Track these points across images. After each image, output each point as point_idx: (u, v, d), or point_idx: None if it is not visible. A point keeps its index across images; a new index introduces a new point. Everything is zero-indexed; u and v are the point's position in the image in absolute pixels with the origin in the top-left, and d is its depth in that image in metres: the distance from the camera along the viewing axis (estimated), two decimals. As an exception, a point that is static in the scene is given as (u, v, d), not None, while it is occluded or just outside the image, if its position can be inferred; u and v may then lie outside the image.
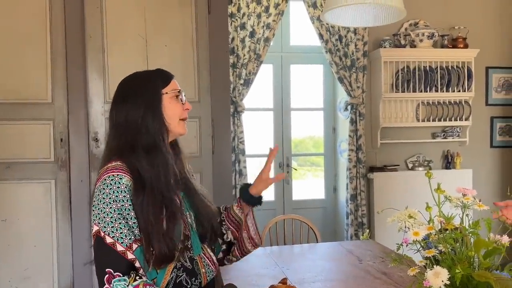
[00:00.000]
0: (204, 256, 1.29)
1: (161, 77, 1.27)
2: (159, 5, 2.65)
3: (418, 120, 3.77)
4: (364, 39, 3.65)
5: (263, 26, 3.48)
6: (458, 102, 3.78)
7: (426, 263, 0.88)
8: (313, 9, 3.59)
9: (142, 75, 1.30)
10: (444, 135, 3.87)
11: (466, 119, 3.80)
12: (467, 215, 0.94)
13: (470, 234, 0.86)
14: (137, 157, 1.16)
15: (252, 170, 3.74)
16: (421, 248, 0.91)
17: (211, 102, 2.92)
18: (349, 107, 3.67)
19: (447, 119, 3.77)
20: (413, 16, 3.76)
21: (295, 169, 4.00)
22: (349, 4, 1.47)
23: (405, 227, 0.89)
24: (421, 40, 3.67)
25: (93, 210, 1.12)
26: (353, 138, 3.66)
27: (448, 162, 3.90)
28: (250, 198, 1.43)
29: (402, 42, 3.73)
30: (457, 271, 0.78)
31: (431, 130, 3.90)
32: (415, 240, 0.86)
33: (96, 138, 2.54)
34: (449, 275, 0.82)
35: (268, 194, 3.99)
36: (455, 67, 3.74)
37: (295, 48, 3.97)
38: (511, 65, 4.07)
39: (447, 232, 0.88)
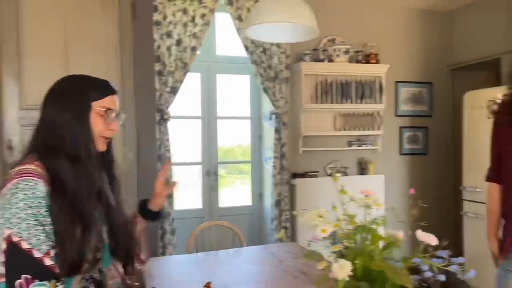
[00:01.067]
0: (113, 269, 1.30)
1: (98, 89, 1.23)
2: (80, 11, 2.59)
3: (335, 130, 4.03)
4: (287, 53, 3.84)
5: (190, 35, 3.52)
6: (371, 113, 4.11)
7: (334, 258, 0.99)
8: (239, 21, 3.70)
9: (80, 79, 1.25)
10: (358, 143, 4.17)
11: (378, 129, 4.13)
12: (369, 213, 1.07)
13: (370, 230, 0.98)
14: (60, 163, 1.13)
15: (179, 178, 3.74)
16: (329, 244, 1.01)
17: (136, 110, 2.90)
18: (273, 117, 3.82)
19: (361, 128, 4.08)
20: (331, 32, 4.03)
21: (222, 176, 4.06)
22: (264, 22, 1.57)
23: (315, 225, 0.99)
24: (338, 55, 3.94)
25: (3, 213, 1.07)
26: (277, 146, 3.81)
27: (363, 168, 4.21)
28: (149, 213, 1.44)
29: (321, 56, 3.97)
30: (356, 262, 0.89)
31: (347, 138, 4.18)
32: (323, 236, 0.96)
33: (10, 146, 2.40)
34: (353, 267, 0.93)
35: (196, 202, 4.00)
36: (368, 81, 4.06)
37: (221, 58, 4.05)
38: (417, 80, 4.52)
39: (351, 229, 0.99)
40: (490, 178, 1.90)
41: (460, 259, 0.92)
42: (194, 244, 2.63)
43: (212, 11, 3.58)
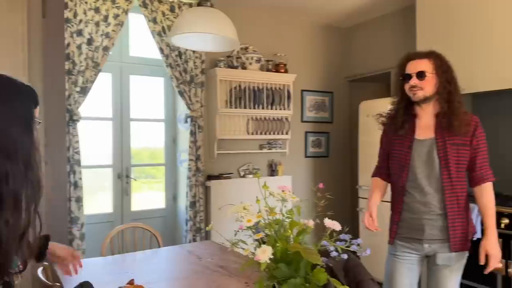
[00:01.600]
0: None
1: (35, 98, 1.16)
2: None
3: (248, 133, 4.24)
4: (202, 58, 3.95)
5: (101, 35, 3.45)
6: (280, 118, 4.39)
7: (257, 244, 1.13)
8: (153, 24, 3.72)
9: (20, 84, 1.15)
10: (269, 146, 4.43)
11: (286, 133, 4.43)
12: (285, 206, 1.23)
13: (287, 219, 1.14)
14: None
15: (88, 182, 3.62)
16: (252, 233, 1.16)
17: (45, 110, 2.78)
18: (189, 120, 3.90)
19: (272, 133, 4.34)
20: (244, 41, 4.24)
21: (135, 180, 4.02)
22: (192, 32, 1.68)
23: (241, 217, 1.13)
24: (250, 63, 4.16)
25: None
26: (192, 149, 3.90)
27: (273, 170, 4.48)
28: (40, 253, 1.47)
29: (235, 63, 4.16)
30: (277, 245, 1.04)
31: (259, 142, 4.42)
32: (248, 226, 1.10)
33: None
34: (273, 251, 1.08)
35: (106, 206, 3.90)
36: (278, 88, 4.34)
37: (135, 59, 4.02)
38: (320, 89, 4.93)
39: (271, 219, 1.15)
40: (375, 174, 2.22)
41: (358, 240, 1.12)
42: (109, 247, 2.60)
43: (125, 11, 3.56)
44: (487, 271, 1.88)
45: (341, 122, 5.11)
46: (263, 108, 4.25)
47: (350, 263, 1.70)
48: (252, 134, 4.25)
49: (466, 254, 1.99)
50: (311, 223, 1.22)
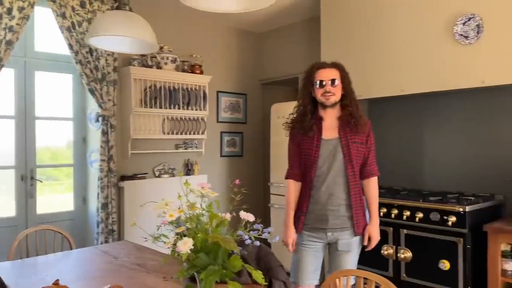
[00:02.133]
0: None
1: None
2: None
3: (164, 133, 4.24)
4: (114, 55, 3.88)
5: (5, 28, 3.23)
6: (196, 118, 4.47)
7: (178, 237, 1.22)
8: (62, 19, 3.57)
9: None
10: (185, 146, 4.48)
11: (202, 133, 4.52)
12: (204, 201, 1.34)
13: (207, 213, 1.25)
14: None
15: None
16: (174, 227, 1.25)
17: None
18: (100, 119, 3.80)
19: (188, 132, 4.40)
20: (159, 41, 4.21)
21: (41, 181, 3.80)
22: (112, 35, 1.71)
23: (163, 212, 1.21)
24: (165, 63, 4.17)
25: None
26: (104, 149, 3.80)
27: (189, 169, 4.53)
28: None
29: (150, 62, 4.14)
30: (198, 235, 1.15)
31: (174, 142, 4.45)
32: (170, 221, 1.19)
33: None
34: (193, 243, 1.18)
35: (8, 210, 3.65)
36: (193, 89, 4.41)
37: (41, 54, 3.81)
38: (235, 91, 5.10)
39: (192, 213, 1.25)
40: (288, 176, 2.40)
41: (269, 229, 1.27)
42: (17, 251, 2.47)
43: (31, 5, 3.37)
44: (368, 249, 2.24)
45: (255, 123, 5.33)
46: (179, 108, 4.28)
47: (262, 253, 1.85)
48: (168, 134, 4.27)
49: (362, 239, 2.27)
50: (228, 216, 1.34)
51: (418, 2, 3.20)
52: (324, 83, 2.21)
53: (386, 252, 3.15)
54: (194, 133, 4.46)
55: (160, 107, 4.14)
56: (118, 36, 1.80)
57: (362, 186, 2.28)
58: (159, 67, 4.17)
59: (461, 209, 2.79)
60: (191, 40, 4.63)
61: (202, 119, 4.52)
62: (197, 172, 4.59)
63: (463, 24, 2.90)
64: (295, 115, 2.33)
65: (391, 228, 3.14)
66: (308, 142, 2.24)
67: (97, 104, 3.78)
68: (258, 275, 1.26)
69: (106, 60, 3.82)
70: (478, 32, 2.84)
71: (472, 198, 3.00)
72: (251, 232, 1.27)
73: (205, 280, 1.13)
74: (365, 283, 1.64)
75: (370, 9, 3.52)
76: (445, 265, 2.86)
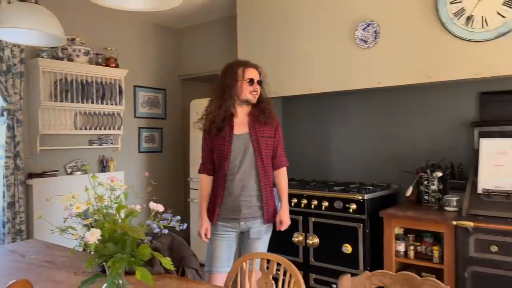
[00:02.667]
0: None
1: None
2: None
3: (76, 128, 4.09)
4: (21, 47, 3.66)
5: None
6: (111, 113, 4.36)
7: (86, 229, 1.26)
8: (-40, 4, 3.30)
9: None
10: (99, 142, 4.36)
11: (118, 129, 4.43)
12: (114, 194, 1.38)
13: (115, 204, 1.30)
14: None
15: None
16: (82, 219, 1.28)
17: None
18: (5, 113, 3.56)
19: (102, 128, 4.28)
20: (70, 32, 4.06)
21: None
22: (17, 27, 1.65)
23: (70, 205, 1.24)
24: (78, 56, 4.02)
25: None
26: (10, 145, 3.58)
27: (104, 166, 4.42)
28: None
29: (60, 54, 3.96)
30: (105, 225, 1.19)
31: (88, 137, 4.30)
32: (77, 213, 1.22)
33: None
34: (101, 234, 1.22)
35: None
36: (108, 83, 4.30)
37: None
38: (153, 86, 5.06)
39: (100, 205, 1.29)
40: (201, 170, 2.51)
41: (177, 217, 1.35)
42: None
43: None
44: (279, 229, 2.42)
45: (174, 118, 5.33)
46: (92, 102, 4.15)
47: (174, 243, 1.93)
48: (81, 129, 4.12)
49: (271, 227, 2.44)
50: (138, 207, 1.40)
51: (324, 7, 3.45)
52: (254, 82, 2.36)
53: (296, 239, 3.38)
54: (109, 129, 4.35)
55: (72, 101, 3.99)
56: (23, 29, 1.74)
57: (273, 177, 2.46)
58: (70, 60, 4.01)
59: (360, 197, 3.09)
60: (106, 32, 4.50)
61: (118, 114, 4.43)
62: (113, 168, 4.49)
63: (363, 29, 3.21)
64: (209, 110, 2.42)
65: (301, 217, 3.37)
66: (221, 137, 2.35)
67: (1, 97, 3.55)
68: (166, 262, 1.34)
69: (12, 51, 3.59)
70: (375, 38, 3.15)
71: (371, 187, 3.33)
72: (161, 221, 1.34)
73: (112, 267, 1.18)
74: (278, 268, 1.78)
75: (282, 11, 3.73)
76: (347, 248, 3.15)
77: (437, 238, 2.98)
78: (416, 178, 3.22)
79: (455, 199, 2.95)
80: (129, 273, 1.49)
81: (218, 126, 2.33)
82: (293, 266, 1.65)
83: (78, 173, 4.15)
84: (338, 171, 3.87)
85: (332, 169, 3.91)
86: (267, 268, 1.71)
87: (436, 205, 3.10)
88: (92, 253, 1.29)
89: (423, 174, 3.18)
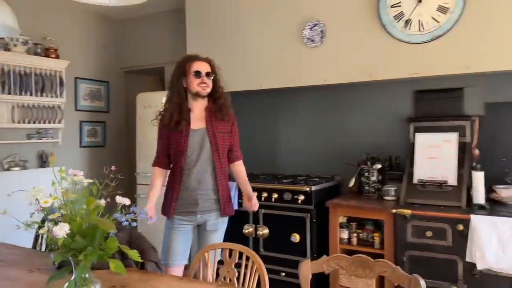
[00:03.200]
0: None
1: None
2: None
3: (13, 122, 3.86)
4: (-50, 32, 3.38)
5: None
6: (52, 106, 4.16)
7: (52, 223, 1.24)
8: None
9: None
10: (39, 136, 4.14)
11: (59, 122, 4.23)
12: (78, 187, 1.37)
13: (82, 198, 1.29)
14: None
15: None
16: (46, 214, 1.26)
17: None
18: None
19: (42, 121, 4.07)
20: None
21: None
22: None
23: (36, 200, 1.22)
24: (15, 45, 3.79)
25: None
26: None
27: (43, 161, 4.21)
28: None
29: (-4, 43, 3.72)
30: (77, 219, 1.19)
31: (26, 131, 4.07)
32: (44, 207, 1.21)
33: None
34: (70, 227, 1.22)
35: None
36: (49, 74, 4.09)
37: None
38: (95, 78, 4.88)
39: (67, 200, 1.28)
40: (155, 164, 2.50)
41: (145, 209, 1.37)
42: None
43: None
44: (254, 206, 2.42)
45: (118, 112, 5.19)
46: (31, 94, 3.94)
47: (133, 237, 1.93)
48: (18, 122, 3.89)
49: (227, 219, 2.50)
50: (102, 202, 1.40)
51: (273, 5, 3.55)
52: (201, 74, 2.36)
53: (247, 231, 3.48)
54: (49, 122, 4.15)
55: (9, 93, 3.76)
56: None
57: (230, 170, 2.51)
58: (7, 49, 3.77)
59: (308, 189, 3.24)
60: (45, 21, 4.27)
61: (59, 107, 4.24)
62: (53, 164, 4.26)
63: (310, 29, 3.35)
64: (166, 106, 2.42)
65: (252, 209, 3.46)
66: (178, 132, 2.36)
67: None
68: (133, 254, 1.35)
69: None
70: (322, 37, 3.31)
71: (317, 179, 3.50)
72: (127, 215, 1.35)
73: (84, 260, 1.18)
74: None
75: (232, 8, 3.78)
76: (295, 238, 3.29)
77: (377, 226, 3.21)
78: (358, 170, 3.44)
79: (393, 189, 3.20)
80: (93, 268, 1.48)
81: (175, 121, 2.34)
82: (254, 253, 1.73)
83: (16, 168, 3.92)
84: (286, 164, 4.01)
85: (279, 162, 4.05)
86: (229, 257, 1.78)
87: (375, 195, 3.33)
88: (55, 248, 1.28)
89: (364, 166, 3.40)
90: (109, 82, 5.06)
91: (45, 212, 1.26)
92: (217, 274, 1.87)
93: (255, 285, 1.70)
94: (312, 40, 3.34)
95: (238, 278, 1.78)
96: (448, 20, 2.81)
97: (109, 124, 5.06)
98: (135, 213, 1.37)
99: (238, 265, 1.82)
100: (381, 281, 3.05)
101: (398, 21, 2.99)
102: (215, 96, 2.45)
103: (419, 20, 2.92)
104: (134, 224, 1.32)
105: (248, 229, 3.48)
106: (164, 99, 2.50)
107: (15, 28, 1.74)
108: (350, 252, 3.32)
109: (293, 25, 3.45)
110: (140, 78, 5.40)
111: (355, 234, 3.22)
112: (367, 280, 3.06)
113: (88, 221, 1.22)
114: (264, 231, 3.43)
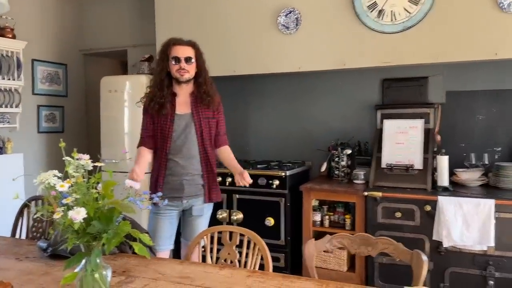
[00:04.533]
0: None
1: None
2: None
3: (-34, 105, 3.59)
4: None
5: None
6: (8, 89, 3.91)
7: (65, 208, 1.20)
8: None
9: None
10: (-6, 121, 3.89)
11: (16, 106, 3.99)
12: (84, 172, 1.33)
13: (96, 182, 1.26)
14: None
15: None
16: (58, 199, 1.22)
17: None
18: None
19: (-2, 105, 3.82)
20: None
21: None
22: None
23: (52, 184, 1.17)
24: (-32, 22, 3.51)
25: None
26: None
27: (0, 147, 3.96)
28: None
29: None
30: (98, 202, 1.17)
31: (-20, 116, 3.81)
32: (61, 191, 1.17)
33: None
34: (86, 212, 1.19)
35: None
36: (5, 55, 3.83)
37: None
38: (53, 60, 4.63)
39: (80, 183, 1.24)
40: (140, 144, 2.42)
41: (159, 193, 1.35)
42: None
43: None
44: (247, 181, 2.37)
45: (77, 96, 4.96)
46: (-14, 76, 3.68)
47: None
48: (-28, 106, 3.63)
49: (212, 205, 2.51)
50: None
51: (247, -10, 3.54)
52: (180, 59, 2.31)
53: (221, 216, 3.50)
54: (6, 106, 3.90)
55: (-38, 74, 3.48)
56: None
57: (217, 155, 2.50)
58: (-42, 26, 3.48)
59: (283, 174, 3.32)
60: (-1, -3, 3.97)
61: (16, 90, 3.99)
62: (11, 150, 4.04)
63: (285, 16, 3.39)
64: (150, 89, 2.37)
65: (225, 195, 3.48)
66: (163, 117, 2.32)
67: None
68: (144, 237, 1.34)
69: None
70: (297, 24, 3.36)
71: (290, 164, 3.59)
72: (140, 197, 1.34)
73: (108, 244, 1.16)
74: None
75: (204, -9, 3.71)
76: (270, 221, 3.37)
77: (347, 208, 3.36)
78: (329, 155, 3.56)
79: (362, 173, 3.35)
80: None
81: (159, 102, 2.30)
82: (255, 235, 1.76)
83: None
84: (256, 150, 4.06)
85: (250, 148, 4.09)
86: (230, 239, 1.80)
87: (345, 179, 3.48)
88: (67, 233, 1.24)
89: (335, 151, 3.53)
90: (67, 65, 4.81)
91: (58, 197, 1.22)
92: (217, 258, 1.89)
93: (257, 266, 1.74)
94: (287, 27, 3.39)
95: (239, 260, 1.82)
96: (419, 11, 2.96)
97: (67, 109, 4.83)
98: (147, 196, 1.35)
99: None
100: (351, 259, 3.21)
101: (371, 11, 3.11)
102: (198, 81, 2.40)
103: (391, 11, 3.05)
104: (149, 207, 1.31)
105: (222, 214, 3.50)
106: (128, 84, 2.43)
107: (5, 3, 1.62)
108: (322, 234, 3.46)
109: (268, 11, 3.47)
110: (100, 61, 5.19)
111: (327, 217, 3.35)
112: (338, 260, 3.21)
113: (108, 205, 1.20)
114: (238, 216, 3.47)
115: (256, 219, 3.41)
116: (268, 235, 3.38)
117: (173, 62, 2.31)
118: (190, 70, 2.34)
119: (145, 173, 2.34)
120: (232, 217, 3.48)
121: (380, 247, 1.51)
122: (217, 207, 3.49)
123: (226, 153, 2.52)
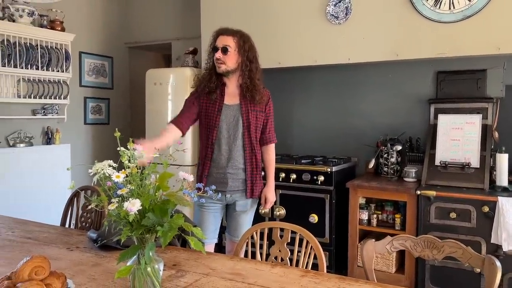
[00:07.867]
0: None
1: None
2: None
3: (19, 97, 3.70)
4: (-46, -1, 3.19)
5: None
6: (57, 81, 4.00)
7: (120, 199, 1.17)
8: None
9: None
10: (44, 112, 3.99)
11: (64, 98, 4.08)
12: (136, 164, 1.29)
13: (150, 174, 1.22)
14: None
15: None
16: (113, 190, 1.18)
17: None
18: None
19: (47, 97, 3.91)
20: (12, -13, 3.63)
21: None
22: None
23: (108, 175, 1.14)
24: (21, 16, 3.60)
25: None
26: None
27: (49, 138, 4.07)
28: None
29: (0, 14, 3.52)
30: (156, 194, 1.12)
31: (31, 106, 3.92)
32: (116, 181, 1.13)
33: None
34: (141, 203, 1.15)
35: None
36: (54, 48, 3.92)
37: None
38: (99, 53, 4.71)
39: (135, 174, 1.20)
40: (172, 121, 2.25)
41: (212, 187, 1.30)
42: None
43: None
44: (262, 211, 2.36)
45: (122, 88, 5.03)
46: (37, 68, 3.77)
47: (173, 214, 1.86)
48: (24, 97, 3.73)
49: (257, 200, 2.45)
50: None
51: (295, -20, 3.43)
52: (217, 49, 2.24)
53: (263, 211, 3.43)
54: (55, 98, 3.99)
55: (15, 66, 3.59)
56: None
57: (261, 152, 2.42)
58: (12, 20, 3.58)
59: (328, 169, 3.21)
60: (50, -9, 4.06)
61: (65, 82, 4.08)
62: (59, 141, 4.15)
63: (334, 5, 3.26)
64: (202, 74, 2.34)
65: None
66: (211, 105, 2.27)
67: None
68: (197, 231, 1.29)
69: None
70: (346, 14, 3.23)
71: (336, 160, 3.47)
72: (194, 190, 1.29)
73: (164, 237, 1.12)
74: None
75: (250, -19, 3.64)
76: (314, 218, 3.27)
77: (396, 207, 3.21)
78: (378, 151, 3.41)
79: (414, 170, 3.19)
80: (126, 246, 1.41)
81: (209, 86, 2.24)
82: (308, 233, 1.69)
83: (22, 145, 3.78)
84: (300, 144, 3.96)
85: (294, 142, 3.99)
86: (281, 236, 1.73)
87: (395, 176, 3.32)
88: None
89: (384, 147, 3.38)
90: (113, 58, 4.89)
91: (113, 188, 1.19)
92: (267, 255, 1.82)
93: (310, 265, 1.66)
94: (336, 17, 3.26)
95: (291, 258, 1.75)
96: (480, -1, 2.76)
97: (113, 101, 4.91)
98: (201, 189, 1.30)
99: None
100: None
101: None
102: (244, 73, 2.28)
103: (450, -1, 2.87)
104: (203, 200, 1.26)
105: (264, 209, 3.43)
106: (172, 77, 2.37)
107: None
108: (368, 233, 3.34)
109: (316, 0, 3.35)
110: (144, 54, 5.24)
111: (374, 215, 3.21)
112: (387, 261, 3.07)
113: (168, 196, 1.15)
114: (281, 211, 3.40)
115: (299, 215, 3.32)
116: (312, 232, 3.26)
117: (213, 52, 2.26)
118: (226, 61, 2.23)
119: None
120: (274, 212, 3.41)
121: (447, 251, 1.39)
122: (259, 201, 3.44)
123: (267, 154, 2.42)
